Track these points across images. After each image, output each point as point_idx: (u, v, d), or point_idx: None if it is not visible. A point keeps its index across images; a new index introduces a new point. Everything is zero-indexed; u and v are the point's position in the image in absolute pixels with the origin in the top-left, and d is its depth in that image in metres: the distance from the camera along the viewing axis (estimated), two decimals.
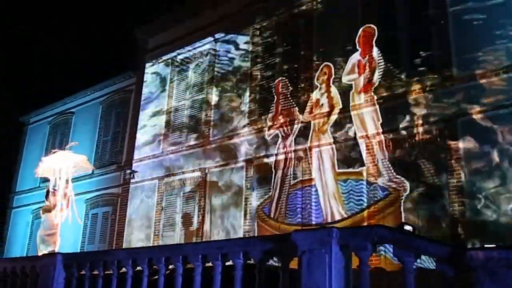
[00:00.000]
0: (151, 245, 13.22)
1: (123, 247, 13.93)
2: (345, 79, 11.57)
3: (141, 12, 30.58)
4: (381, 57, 11.07)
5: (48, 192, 10.15)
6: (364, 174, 10.63)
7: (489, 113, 9.19)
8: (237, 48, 13.88)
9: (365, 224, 9.88)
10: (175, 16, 15.73)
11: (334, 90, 11.70)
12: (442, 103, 9.83)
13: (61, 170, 10.32)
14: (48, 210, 9.72)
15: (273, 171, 12.17)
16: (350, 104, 11.26)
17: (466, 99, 9.54)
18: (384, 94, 10.73)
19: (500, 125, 9.01)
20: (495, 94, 9.23)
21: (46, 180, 11.89)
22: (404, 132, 10.24)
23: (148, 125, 15.42)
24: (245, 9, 13.82)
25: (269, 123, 12.62)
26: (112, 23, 30.43)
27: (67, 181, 10.30)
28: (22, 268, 7.82)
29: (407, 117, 10.22)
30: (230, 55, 13.98)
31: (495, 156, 8.95)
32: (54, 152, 11.17)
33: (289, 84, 12.62)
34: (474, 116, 9.35)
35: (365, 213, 10.32)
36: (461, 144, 9.38)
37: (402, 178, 10.05)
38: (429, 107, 9.99)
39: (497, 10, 9.58)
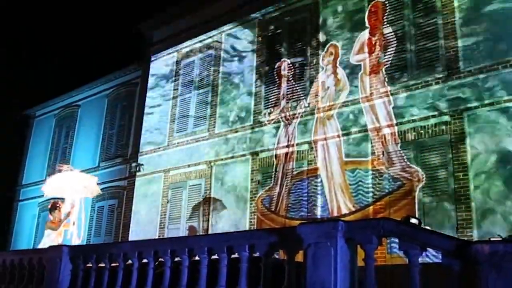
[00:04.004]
0: (156, 237, 13.25)
1: (129, 239, 13.98)
2: (353, 60, 11.22)
3: (147, 4, 30.56)
4: (393, 35, 10.73)
5: (52, 207, 9.97)
6: (374, 163, 10.26)
7: (497, 106, 9.14)
8: (242, 38, 13.83)
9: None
10: (180, 9, 15.68)
11: (341, 72, 11.35)
12: (450, 95, 9.77)
13: (70, 190, 10.22)
14: (51, 226, 9.63)
15: (275, 160, 11.99)
16: (359, 87, 10.94)
17: (475, 92, 9.48)
18: (395, 79, 10.61)
19: (508, 118, 8.97)
20: (504, 87, 9.18)
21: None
22: (414, 121, 10.09)
23: (154, 118, 15.43)
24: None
25: (270, 108, 12.46)
26: (118, 16, 30.41)
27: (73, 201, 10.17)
28: (29, 260, 7.88)
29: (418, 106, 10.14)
30: (235, 46, 13.93)
31: (504, 151, 8.90)
32: (61, 170, 11.09)
33: (292, 66, 12.37)
34: (482, 109, 9.28)
35: (375, 206, 10.00)
36: (468, 137, 9.33)
37: (416, 167, 9.71)
38: (436, 99, 9.92)
39: None
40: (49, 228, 9.61)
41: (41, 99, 21.68)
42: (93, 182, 10.98)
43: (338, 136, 11.03)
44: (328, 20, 11.98)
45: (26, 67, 30.18)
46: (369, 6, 11.32)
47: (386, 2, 11.10)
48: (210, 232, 12.50)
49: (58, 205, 9.90)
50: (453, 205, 9.13)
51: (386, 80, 10.63)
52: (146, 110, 15.76)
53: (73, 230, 10.02)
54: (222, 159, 13.20)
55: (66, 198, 10.24)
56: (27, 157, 21.52)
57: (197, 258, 5.80)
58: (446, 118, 9.68)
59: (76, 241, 10.06)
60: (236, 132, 13.08)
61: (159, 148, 14.91)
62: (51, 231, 9.56)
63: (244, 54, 13.67)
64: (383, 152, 10.28)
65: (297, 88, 12.18)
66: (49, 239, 9.40)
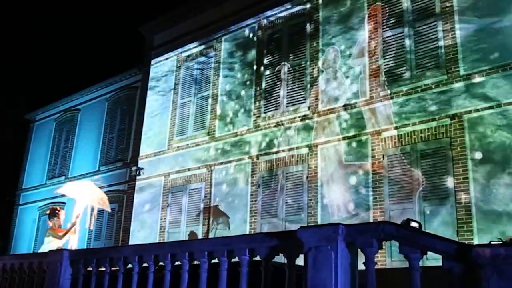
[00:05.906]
0: (157, 241, 13.23)
1: (129, 243, 13.97)
2: (353, 63, 11.23)
3: (147, 8, 30.63)
4: (392, 38, 10.78)
5: (51, 213, 9.88)
6: (374, 167, 10.27)
7: (497, 109, 9.15)
8: (242, 42, 13.85)
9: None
10: (180, 12, 15.73)
11: (341, 76, 11.40)
12: (448, 98, 9.78)
13: (86, 197, 10.21)
14: (52, 233, 9.57)
15: (275, 164, 12.00)
16: (359, 91, 10.97)
17: (475, 95, 9.49)
18: (395, 82, 10.64)
19: (506, 121, 8.98)
20: (503, 90, 9.19)
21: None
22: (414, 123, 10.12)
23: (154, 121, 15.44)
24: (250, 3, 13.79)
25: (271, 112, 12.49)
26: (118, 20, 30.47)
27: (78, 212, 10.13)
28: (29, 265, 7.85)
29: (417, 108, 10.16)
30: (235, 50, 13.95)
31: (504, 154, 8.91)
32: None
33: (292, 69, 12.42)
34: (482, 113, 9.29)
35: (375, 209, 10.04)
36: (467, 141, 9.34)
37: (417, 171, 9.74)
38: (436, 102, 9.94)
39: None
40: (50, 235, 9.56)
41: (41, 103, 21.71)
42: (106, 198, 11.03)
43: (338, 139, 11.04)
44: (328, 24, 12.01)
45: (26, 71, 30.22)
46: (369, 9, 11.35)
47: (386, 6, 11.12)
48: (210, 236, 12.50)
49: (57, 211, 9.82)
50: (454, 209, 9.14)
51: (386, 83, 10.64)
52: (146, 113, 15.77)
53: (74, 239, 9.98)
54: (222, 163, 13.20)
55: (78, 201, 10.20)
56: (27, 161, 21.52)
57: (197, 262, 5.79)
58: (446, 121, 9.69)
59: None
60: (236, 135, 13.09)
61: (159, 152, 14.91)
62: (52, 238, 9.51)
63: (244, 57, 13.68)
64: (383, 155, 10.28)
65: (297, 91, 12.19)
66: (49, 246, 9.36)
